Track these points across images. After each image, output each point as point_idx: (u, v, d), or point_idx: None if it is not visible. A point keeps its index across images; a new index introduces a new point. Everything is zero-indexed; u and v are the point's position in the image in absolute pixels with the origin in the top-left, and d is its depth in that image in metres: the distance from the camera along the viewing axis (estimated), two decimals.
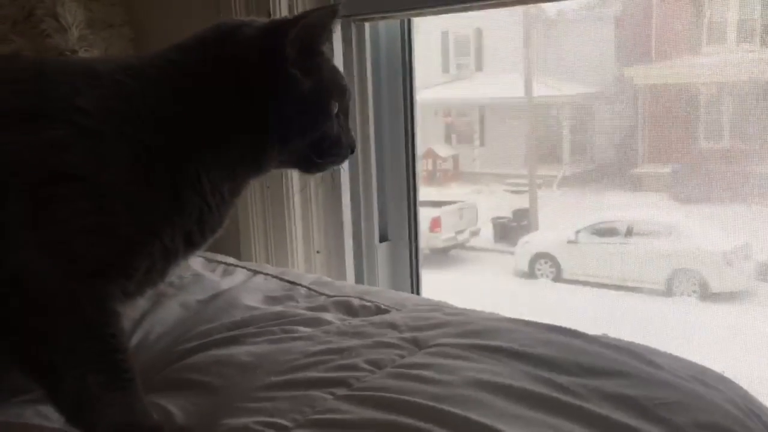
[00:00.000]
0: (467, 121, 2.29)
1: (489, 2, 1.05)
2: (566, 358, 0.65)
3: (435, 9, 1.09)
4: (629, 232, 1.86)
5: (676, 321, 1.68)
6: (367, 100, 1.15)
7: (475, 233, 2.20)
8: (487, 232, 2.17)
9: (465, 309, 0.81)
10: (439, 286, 1.39)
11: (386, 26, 1.15)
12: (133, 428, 0.60)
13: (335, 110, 0.71)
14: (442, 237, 2.19)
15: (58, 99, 0.61)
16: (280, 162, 0.73)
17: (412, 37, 1.15)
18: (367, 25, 1.13)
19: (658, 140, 1.75)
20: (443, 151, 2.29)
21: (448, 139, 2.30)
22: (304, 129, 0.70)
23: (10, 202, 0.57)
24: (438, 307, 0.82)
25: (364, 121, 1.15)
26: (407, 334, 0.72)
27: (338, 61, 1.13)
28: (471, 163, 2.28)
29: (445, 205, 2.20)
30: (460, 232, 2.21)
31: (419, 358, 0.68)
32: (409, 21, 1.14)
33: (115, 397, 0.59)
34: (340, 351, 0.70)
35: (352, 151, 0.75)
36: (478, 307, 0.86)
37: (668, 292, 1.70)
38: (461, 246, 2.22)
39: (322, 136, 0.71)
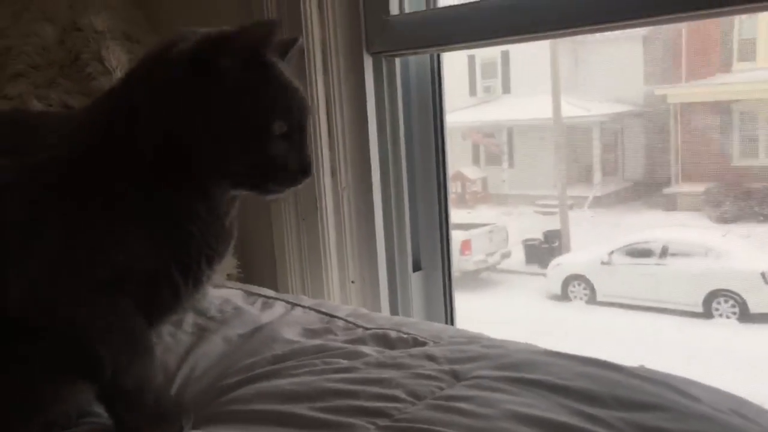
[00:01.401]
0: (495, 143, 2.30)
1: (512, 38, 1.07)
2: (604, 391, 0.65)
3: (462, 45, 1.12)
4: (664, 253, 1.84)
5: (714, 343, 1.65)
6: (398, 133, 1.17)
7: (505, 256, 2.20)
8: (517, 254, 2.16)
9: (502, 341, 0.82)
10: (471, 309, 1.40)
11: (416, 61, 1.18)
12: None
13: (280, 131, 0.66)
14: (473, 260, 2.19)
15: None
16: (231, 184, 0.68)
17: (441, 69, 1.18)
18: (397, 60, 1.16)
19: (692, 159, 1.74)
20: (472, 173, 2.30)
21: (476, 161, 2.31)
22: (238, 151, 0.65)
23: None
24: (475, 339, 0.83)
25: (396, 153, 1.18)
26: (446, 366, 0.73)
27: (369, 95, 1.16)
28: (500, 185, 2.28)
29: (474, 228, 2.20)
30: (491, 254, 2.20)
31: (458, 390, 0.69)
32: (439, 54, 1.17)
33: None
34: (379, 382, 0.71)
35: (306, 174, 0.70)
36: (511, 331, 0.87)
37: (706, 313, 1.67)
38: (492, 269, 2.21)
39: (262, 159, 0.66)
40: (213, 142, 0.65)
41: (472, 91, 2.20)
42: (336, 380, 0.73)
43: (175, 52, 0.65)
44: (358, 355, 0.80)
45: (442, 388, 0.70)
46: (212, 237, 0.69)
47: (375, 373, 0.74)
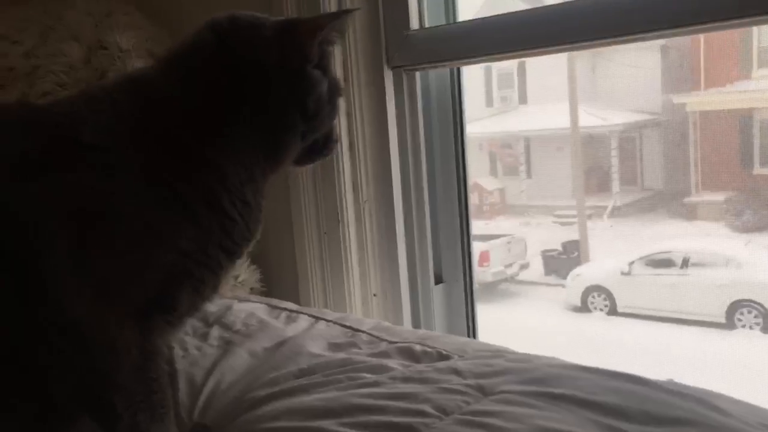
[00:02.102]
0: (513, 154, 2.30)
1: (532, 50, 1.08)
2: (632, 405, 0.65)
3: (481, 58, 1.12)
4: (685, 263, 1.82)
5: (737, 355, 1.63)
6: (419, 145, 1.18)
7: (524, 266, 2.19)
8: (536, 265, 2.16)
9: (527, 355, 0.82)
10: (489, 321, 1.39)
11: (436, 74, 1.19)
12: None
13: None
14: (491, 271, 2.18)
15: (64, 139, 0.61)
16: (300, 156, 0.74)
17: (461, 82, 1.19)
18: (417, 74, 1.16)
19: (712, 167, 1.73)
20: (489, 184, 2.29)
21: (493, 172, 2.30)
22: (321, 125, 0.72)
23: (48, 255, 0.58)
24: (499, 352, 0.83)
25: (417, 166, 1.18)
26: (472, 381, 0.73)
27: (390, 109, 1.17)
28: (518, 196, 2.28)
29: (493, 239, 2.20)
30: (509, 265, 2.20)
31: (485, 405, 0.69)
32: (458, 68, 1.18)
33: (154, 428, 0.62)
34: (406, 397, 0.71)
35: (336, 143, 0.79)
36: (531, 343, 0.87)
37: (729, 324, 1.65)
38: (510, 280, 2.20)
39: (329, 131, 0.75)
40: (301, 120, 0.70)
41: (489, 102, 2.20)
42: (363, 395, 0.73)
43: (258, 41, 0.69)
44: (383, 369, 0.80)
45: (469, 403, 0.70)
46: (252, 222, 0.70)
47: (402, 388, 0.74)
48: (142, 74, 0.70)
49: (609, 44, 1.06)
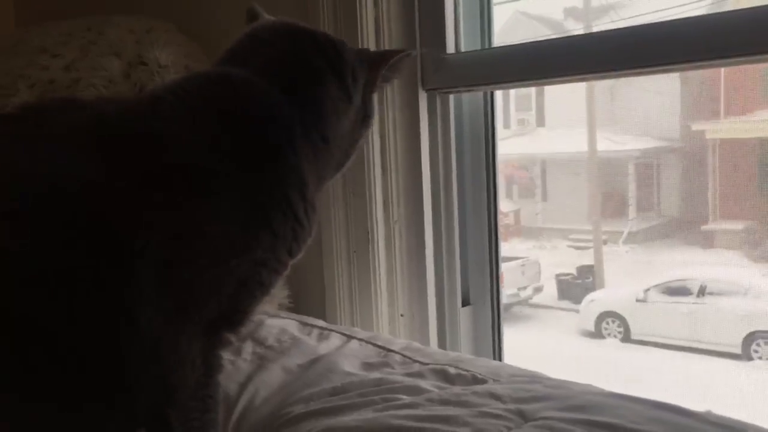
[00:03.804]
0: (529, 176, 2.30)
1: (566, 78, 1.09)
2: None
3: (515, 84, 1.14)
4: (702, 292, 1.81)
5: (753, 386, 1.62)
6: (450, 168, 1.19)
7: (538, 290, 2.18)
8: (550, 288, 2.15)
9: (563, 381, 0.82)
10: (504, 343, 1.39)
11: (469, 97, 1.20)
12: None
13: None
14: (505, 293, 2.17)
15: (147, 153, 0.60)
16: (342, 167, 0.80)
17: (494, 106, 1.20)
18: (451, 96, 1.18)
19: (730, 196, 1.72)
20: (504, 205, 2.29)
21: (509, 194, 2.31)
22: (360, 140, 0.80)
23: (139, 273, 0.57)
24: (535, 378, 0.83)
25: (448, 188, 1.19)
26: (511, 406, 0.73)
27: (423, 130, 1.18)
28: (533, 218, 2.27)
29: (506, 261, 2.19)
30: (523, 288, 2.19)
31: (527, 430, 0.69)
32: (492, 91, 1.19)
33: None
34: (446, 419, 0.71)
35: None
36: (544, 367, 0.87)
37: (745, 355, 1.64)
38: (524, 303, 2.19)
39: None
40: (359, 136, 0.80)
41: (506, 123, 2.21)
42: (401, 417, 0.73)
43: (347, 57, 0.77)
44: (419, 390, 0.80)
45: (510, 428, 0.69)
46: (314, 224, 0.72)
47: (440, 410, 0.74)
48: (218, 87, 0.69)
49: (644, 74, 1.07)
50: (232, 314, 0.64)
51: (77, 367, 0.57)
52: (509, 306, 2.15)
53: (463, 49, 1.17)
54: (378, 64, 0.78)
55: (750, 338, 1.67)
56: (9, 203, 0.55)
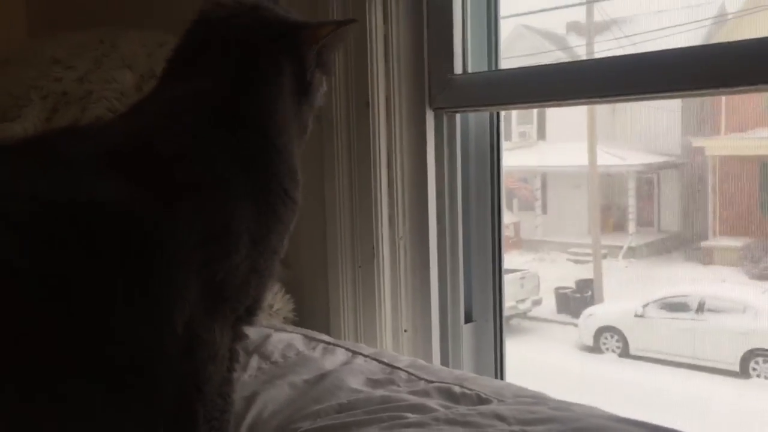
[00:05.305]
0: (529, 189, 2.31)
1: (571, 101, 1.11)
2: None
3: (521, 105, 1.16)
4: (701, 308, 1.82)
5: (750, 405, 1.62)
6: (456, 186, 1.20)
7: (536, 303, 2.19)
8: (549, 302, 2.15)
9: (567, 402, 0.83)
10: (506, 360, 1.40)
11: (476, 117, 1.22)
12: None
13: None
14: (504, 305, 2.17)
15: (167, 169, 0.63)
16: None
17: (500, 125, 1.21)
18: (458, 116, 1.19)
19: (730, 212, 1.73)
20: (504, 218, 2.30)
21: (509, 206, 2.32)
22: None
23: (180, 274, 0.60)
24: (539, 399, 0.84)
25: (453, 205, 1.20)
26: (516, 428, 0.74)
27: (430, 148, 1.19)
28: (533, 231, 2.28)
29: (506, 273, 2.20)
30: (521, 301, 2.19)
31: None
32: (498, 112, 1.21)
33: None
34: None
35: None
36: (541, 382, 0.88)
37: (743, 373, 1.65)
38: (522, 315, 2.19)
39: None
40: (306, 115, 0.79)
41: (507, 136, 2.22)
42: None
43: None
44: (425, 409, 0.81)
45: None
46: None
47: (447, 430, 0.75)
48: (193, 92, 0.71)
49: (647, 99, 1.09)
50: (252, 305, 0.68)
51: (112, 371, 0.58)
52: (508, 318, 2.15)
53: (470, 70, 1.19)
54: (307, 43, 0.75)
55: (748, 356, 1.67)
56: (53, 223, 0.56)
